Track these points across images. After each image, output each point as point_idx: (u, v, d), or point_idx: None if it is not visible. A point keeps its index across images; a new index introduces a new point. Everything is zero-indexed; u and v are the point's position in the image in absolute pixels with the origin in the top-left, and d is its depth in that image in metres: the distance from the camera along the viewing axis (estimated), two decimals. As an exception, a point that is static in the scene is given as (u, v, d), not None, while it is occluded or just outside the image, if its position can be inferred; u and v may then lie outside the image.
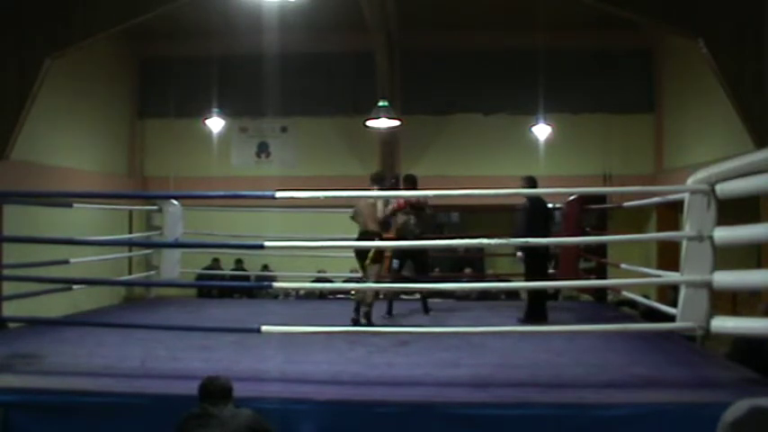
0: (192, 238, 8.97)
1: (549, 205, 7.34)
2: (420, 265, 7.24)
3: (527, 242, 5.60)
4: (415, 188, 7.15)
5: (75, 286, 7.21)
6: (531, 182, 6.82)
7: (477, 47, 13.07)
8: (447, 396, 3.96)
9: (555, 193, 9.97)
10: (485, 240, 5.06)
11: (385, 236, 6.81)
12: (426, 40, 12.96)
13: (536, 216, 6.62)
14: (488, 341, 5.46)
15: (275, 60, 11.93)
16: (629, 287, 7.12)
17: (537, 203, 6.78)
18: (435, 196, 6.17)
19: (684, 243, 4.30)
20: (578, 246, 7.93)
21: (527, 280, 6.61)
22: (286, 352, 5.05)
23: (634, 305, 8.08)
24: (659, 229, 11.06)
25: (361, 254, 6.53)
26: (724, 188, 4.10)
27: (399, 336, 5.59)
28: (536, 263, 6.64)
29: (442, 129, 13.40)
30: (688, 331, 4.54)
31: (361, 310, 6.43)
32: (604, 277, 7.93)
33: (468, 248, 11.88)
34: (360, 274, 7.30)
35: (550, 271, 10.11)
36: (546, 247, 6.74)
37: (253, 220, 10.56)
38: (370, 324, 6.27)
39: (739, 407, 1.57)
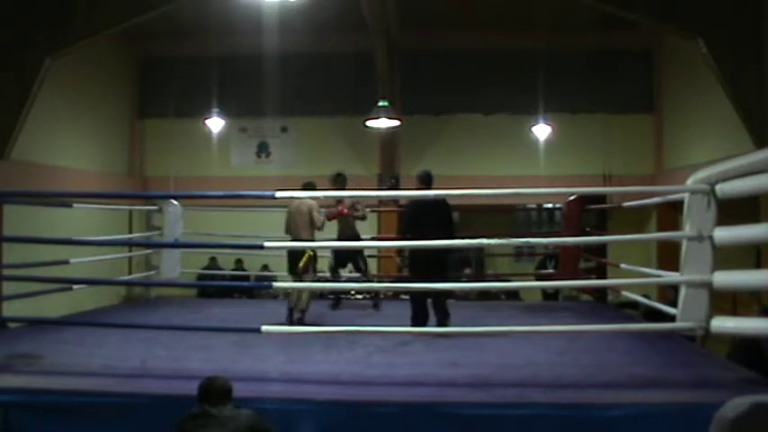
0: (192, 238, 8.97)
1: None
2: (360, 266, 7.45)
3: (527, 242, 5.58)
4: (344, 188, 7.21)
5: (75, 286, 7.21)
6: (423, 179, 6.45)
7: (476, 47, 13.06)
8: (447, 396, 3.96)
9: (555, 193, 9.99)
10: (485, 240, 5.05)
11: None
12: (426, 40, 12.96)
13: (412, 215, 6.26)
14: (488, 341, 5.46)
15: (275, 60, 11.93)
16: (629, 287, 7.11)
17: (418, 203, 6.36)
18: (435, 196, 6.13)
19: (684, 243, 4.30)
20: (578, 246, 7.93)
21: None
22: (286, 352, 5.05)
23: (635, 306, 8.07)
24: (659, 229, 11.05)
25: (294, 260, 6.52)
26: (724, 188, 4.10)
27: (399, 336, 5.59)
28: (418, 265, 6.25)
29: (442, 129, 13.40)
30: (688, 331, 4.53)
31: (295, 314, 6.41)
32: (604, 277, 7.93)
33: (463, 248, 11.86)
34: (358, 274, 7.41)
35: (550, 270, 10.17)
36: (425, 250, 5.93)
37: (253, 220, 10.56)
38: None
39: (740, 404, 1.57)
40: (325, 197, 6.91)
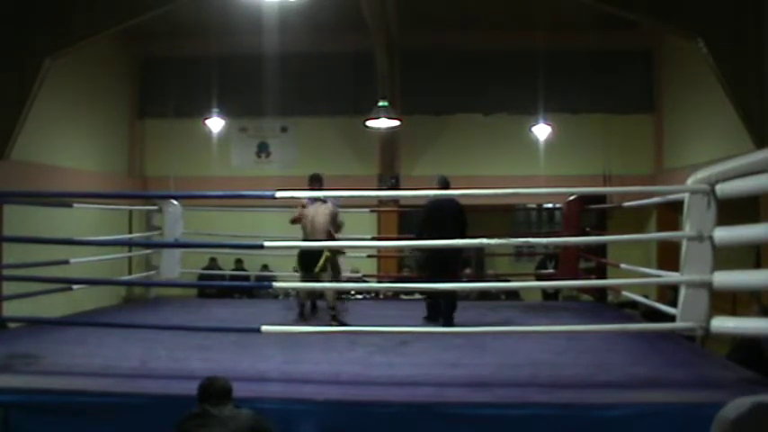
0: (192, 238, 8.96)
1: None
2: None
3: (527, 242, 5.59)
4: (321, 187, 6.99)
5: (75, 286, 7.21)
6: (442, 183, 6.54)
7: (477, 47, 13.07)
8: (447, 396, 3.96)
9: (555, 193, 9.98)
10: (485, 240, 5.05)
11: None
12: (426, 40, 12.96)
13: (428, 217, 6.37)
14: (488, 341, 5.45)
15: (275, 60, 11.94)
16: (629, 287, 7.11)
17: (432, 204, 6.49)
18: (434, 196, 6.13)
19: (684, 243, 4.30)
20: (578, 246, 7.93)
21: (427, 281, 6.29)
22: (286, 352, 5.05)
23: (635, 306, 8.06)
24: (659, 229, 11.06)
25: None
26: (724, 188, 4.10)
27: (399, 336, 5.59)
28: (428, 264, 6.43)
29: (442, 129, 13.40)
30: (688, 331, 4.53)
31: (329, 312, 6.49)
32: (604, 277, 7.92)
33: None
34: (359, 274, 7.38)
35: (550, 270, 10.16)
36: (439, 250, 6.12)
37: (253, 220, 10.56)
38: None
39: (741, 404, 1.57)
40: (325, 197, 6.89)
